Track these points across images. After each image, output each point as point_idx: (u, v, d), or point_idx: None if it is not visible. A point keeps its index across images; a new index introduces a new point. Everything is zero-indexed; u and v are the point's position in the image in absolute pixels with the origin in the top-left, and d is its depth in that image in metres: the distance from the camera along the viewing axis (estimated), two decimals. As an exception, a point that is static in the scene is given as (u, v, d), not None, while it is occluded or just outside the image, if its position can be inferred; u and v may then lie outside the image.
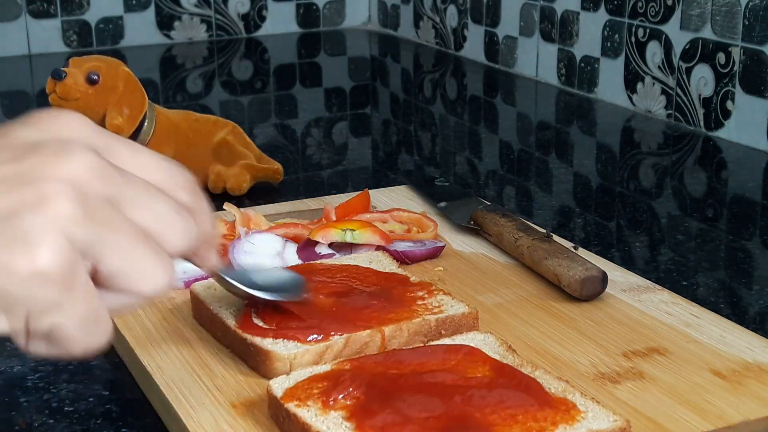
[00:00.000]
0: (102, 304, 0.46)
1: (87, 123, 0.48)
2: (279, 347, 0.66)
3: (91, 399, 0.69)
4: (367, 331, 0.68)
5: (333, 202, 0.96)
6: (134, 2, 1.90)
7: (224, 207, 0.90)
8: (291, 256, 0.84)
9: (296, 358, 0.66)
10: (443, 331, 0.70)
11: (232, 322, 0.70)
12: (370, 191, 0.97)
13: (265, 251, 0.84)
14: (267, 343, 0.67)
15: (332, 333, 0.67)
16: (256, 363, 0.67)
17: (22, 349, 0.46)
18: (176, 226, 0.48)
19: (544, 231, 0.84)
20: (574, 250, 0.81)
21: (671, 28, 1.36)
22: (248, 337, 0.68)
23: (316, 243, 0.85)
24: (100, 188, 0.45)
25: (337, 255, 0.84)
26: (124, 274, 0.46)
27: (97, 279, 0.46)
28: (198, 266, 0.55)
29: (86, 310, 0.45)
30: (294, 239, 0.86)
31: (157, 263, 0.46)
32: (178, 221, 0.48)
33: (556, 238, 0.86)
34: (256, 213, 0.90)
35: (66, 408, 0.68)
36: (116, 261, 0.45)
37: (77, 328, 0.45)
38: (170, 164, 0.50)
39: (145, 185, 0.47)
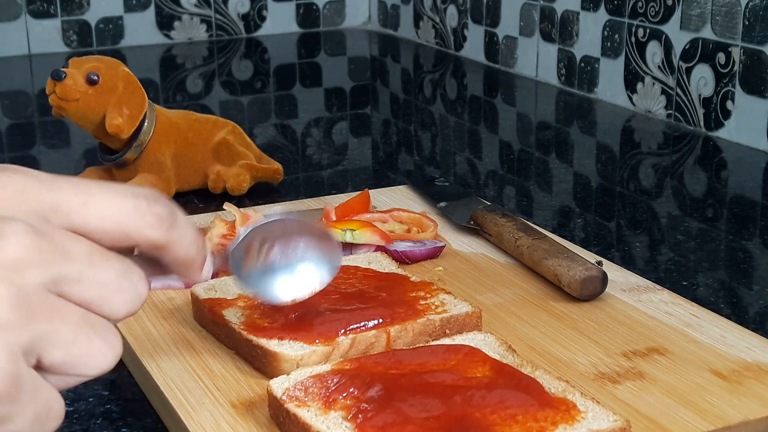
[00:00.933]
0: (50, 393, 0.44)
1: (29, 181, 0.44)
2: (285, 348, 0.66)
3: (91, 399, 0.69)
4: (373, 332, 0.68)
5: (333, 202, 0.96)
6: (134, 2, 1.90)
7: (224, 207, 0.90)
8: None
9: (303, 359, 0.65)
10: (447, 331, 0.70)
11: (237, 323, 0.70)
12: (370, 191, 0.97)
13: None
14: (273, 344, 0.67)
15: (338, 334, 0.67)
16: (263, 365, 0.67)
17: None
18: (123, 292, 0.45)
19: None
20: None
21: (671, 28, 1.36)
22: (254, 338, 0.67)
23: (316, 243, 0.85)
24: (37, 274, 0.42)
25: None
26: (69, 364, 0.43)
27: (41, 367, 0.43)
28: (189, 281, 0.53)
29: (36, 409, 0.43)
30: (294, 239, 0.86)
31: (102, 344, 0.44)
32: (125, 288, 0.45)
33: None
34: (256, 213, 0.90)
35: (66, 408, 0.67)
36: (60, 353, 0.43)
37: (30, 428, 0.43)
38: (135, 199, 0.46)
39: (90, 253, 0.44)
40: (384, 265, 0.80)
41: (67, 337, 0.43)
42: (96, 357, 0.44)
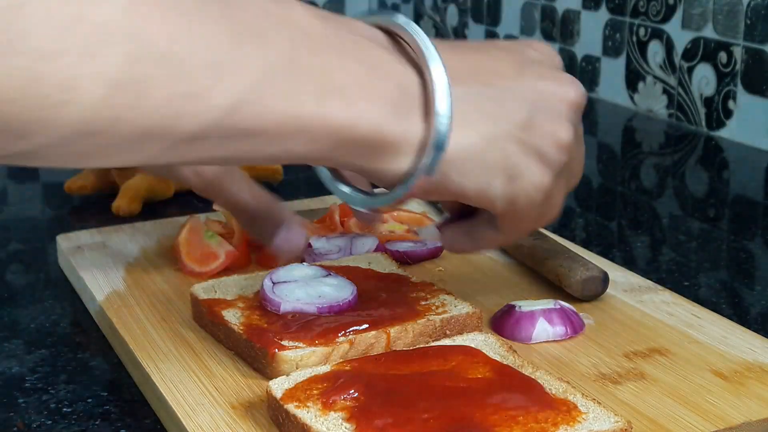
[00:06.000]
0: (560, 189, 0.65)
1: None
2: (285, 349, 0.66)
3: (89, 400, 0.68)
4: (373, 332, 0.68)
5: (333, 202, 0.96)
6: (135, 2, 1.90)
7: (214, 208, 0.88)
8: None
9: (302, 360, 0.65)
10: (448, 332, 0.70)
11: (237, 324, 0.69)
12: (370, 191, 0.96)
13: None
14: (273, 345, 0.66)
15: (338, 334, 0.67)
16: (262, 365, 0.66)
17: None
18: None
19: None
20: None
21: (673, 27, 1.35)
22: (253, 339, 0.67)
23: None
24: (577, 116, 0.64)
25: (336, 256, 0.84)
26: (578, 163, 0.66)
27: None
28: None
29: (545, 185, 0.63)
30: (294, 239, 0.86)
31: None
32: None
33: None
34: (256, 213, 0.90)
35: (64, 409, 0.67)
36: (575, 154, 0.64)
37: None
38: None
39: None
40: (384, 265, 0.80)
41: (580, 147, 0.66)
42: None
